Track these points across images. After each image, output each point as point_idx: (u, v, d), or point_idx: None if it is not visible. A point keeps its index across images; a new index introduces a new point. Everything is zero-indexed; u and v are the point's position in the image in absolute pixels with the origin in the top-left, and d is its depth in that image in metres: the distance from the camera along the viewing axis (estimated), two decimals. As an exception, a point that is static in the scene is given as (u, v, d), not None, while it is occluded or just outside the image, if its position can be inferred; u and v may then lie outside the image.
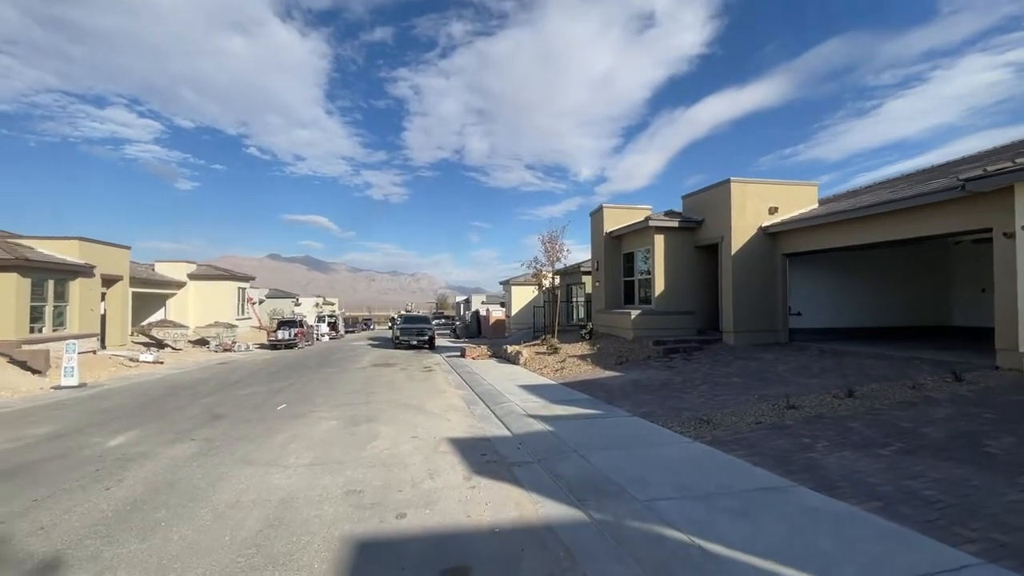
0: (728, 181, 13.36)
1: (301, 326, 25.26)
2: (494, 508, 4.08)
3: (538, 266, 17.30)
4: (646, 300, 15.31)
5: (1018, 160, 7.71)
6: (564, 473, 4.81)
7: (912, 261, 14.11)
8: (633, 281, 16.16)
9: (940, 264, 14.32)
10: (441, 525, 3.77)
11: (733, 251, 13.13)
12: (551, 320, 17.24)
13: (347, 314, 69.07)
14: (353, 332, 46.97)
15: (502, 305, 30.65)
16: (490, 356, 16.51)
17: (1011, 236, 7.73)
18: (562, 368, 12.18)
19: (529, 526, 3.73)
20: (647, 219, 14.64)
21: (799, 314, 13.45)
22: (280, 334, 23.65)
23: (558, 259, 16.79)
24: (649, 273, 15.02)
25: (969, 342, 11.59)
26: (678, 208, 15.87)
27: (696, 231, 14.66)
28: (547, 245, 16.72)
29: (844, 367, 9.16)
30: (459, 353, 17.47)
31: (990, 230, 8.31)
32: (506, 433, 6.67)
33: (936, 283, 14.34)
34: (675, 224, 14.48)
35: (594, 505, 3.98)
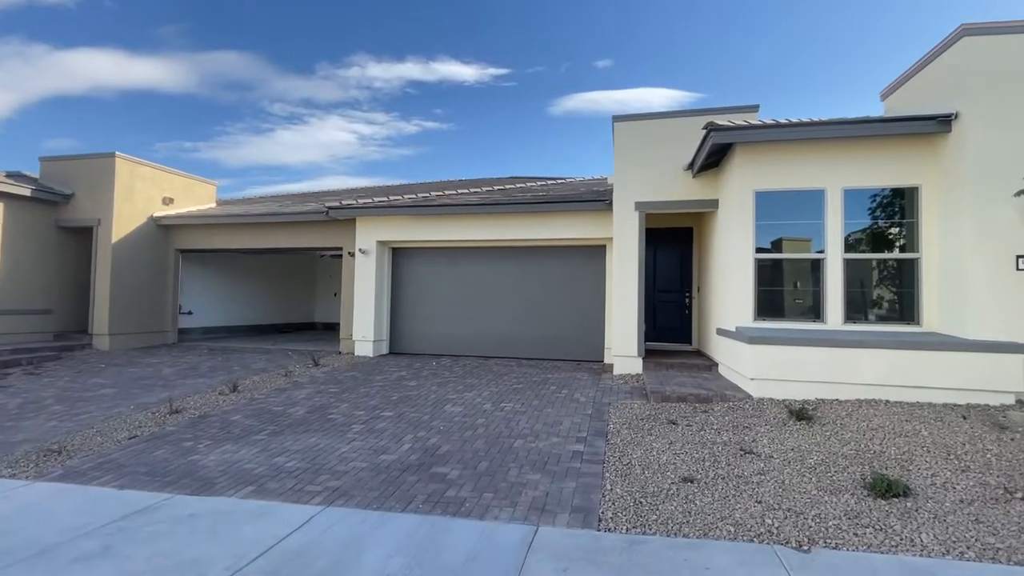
0: (113, 155, 11.23)
1: None
2: None
3: None
4: (-39, 294, 10.44)
5: (360, 201, 10.67)
6: None
7: (291, 267, 16.68)
8: (-66, 264, 10.65)
9: (310, 272, 17.66)
10: None
11: (115, 239, 11.12)
12: None
13: None
14: None
15: None
16: None
17: (353, 255, 10.56)
18: None
19: None
20: (-29, 176, 10.07)
21: (190, 313, 13.02)
22: None
23: None
24: (-30, 255, 10.34)
25: (327, 334, 14.87)
26: (34, 172, 11.85)
27: (61, 207, 11.42)
28: None
29: (231, 363, 9.60)
30: None
31: (341, 249, 11.04)
32: None
33: (306, 287, 17.57)
34: (27, 192, 10.70)
35: None
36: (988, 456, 4.19)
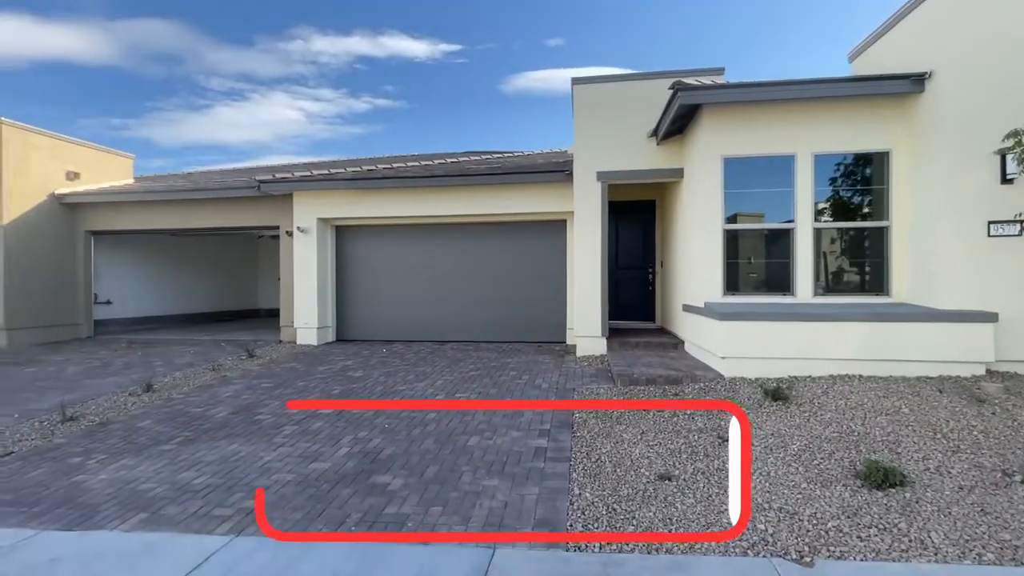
0: (-1, 122, 9.68)
1: None
2: None
3: None
4: None
5: (296, 174, 9.62)
6: None
7: (228, 250, 15.31)
8: None
9: (250, 254, 16.31)
10: None
11: (6, 220, 9.64)
12: None
13: None
14: None
15: None
16: None
17: (291, 234, 9.56)
18: None
19: None
20: None
21: (109, 303, 11.67)
22: None
23: None
24: None
25: (271, 322, 13.74)
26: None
27: (-63, 183, 9.77)
28: None
29: (153, 359, 8.52)
30: None
31: (279, 228, 9.99)
32: None
33: (247, 271, 16.24)
34: None
35: None
36: (975, 433, 3.93)
